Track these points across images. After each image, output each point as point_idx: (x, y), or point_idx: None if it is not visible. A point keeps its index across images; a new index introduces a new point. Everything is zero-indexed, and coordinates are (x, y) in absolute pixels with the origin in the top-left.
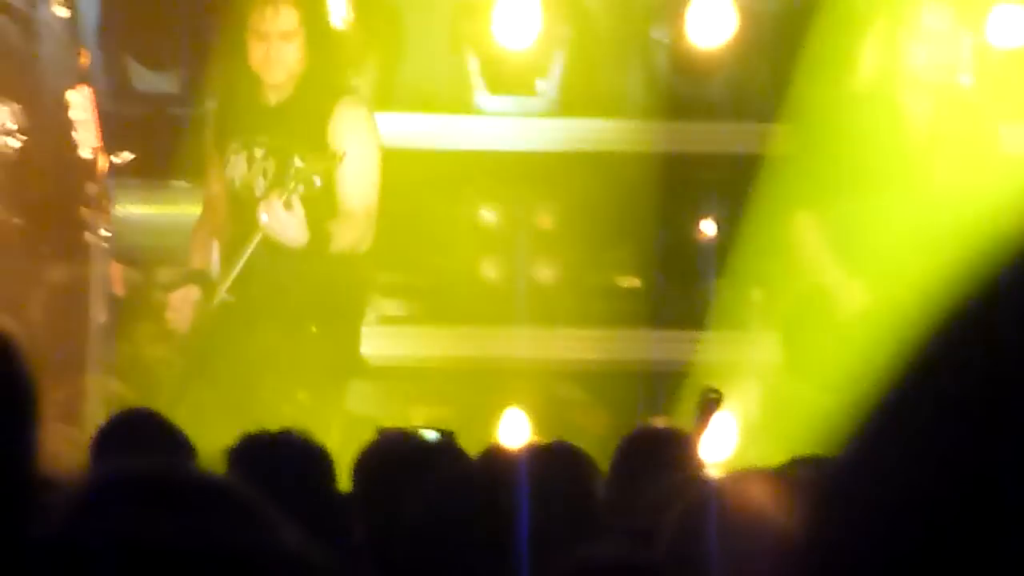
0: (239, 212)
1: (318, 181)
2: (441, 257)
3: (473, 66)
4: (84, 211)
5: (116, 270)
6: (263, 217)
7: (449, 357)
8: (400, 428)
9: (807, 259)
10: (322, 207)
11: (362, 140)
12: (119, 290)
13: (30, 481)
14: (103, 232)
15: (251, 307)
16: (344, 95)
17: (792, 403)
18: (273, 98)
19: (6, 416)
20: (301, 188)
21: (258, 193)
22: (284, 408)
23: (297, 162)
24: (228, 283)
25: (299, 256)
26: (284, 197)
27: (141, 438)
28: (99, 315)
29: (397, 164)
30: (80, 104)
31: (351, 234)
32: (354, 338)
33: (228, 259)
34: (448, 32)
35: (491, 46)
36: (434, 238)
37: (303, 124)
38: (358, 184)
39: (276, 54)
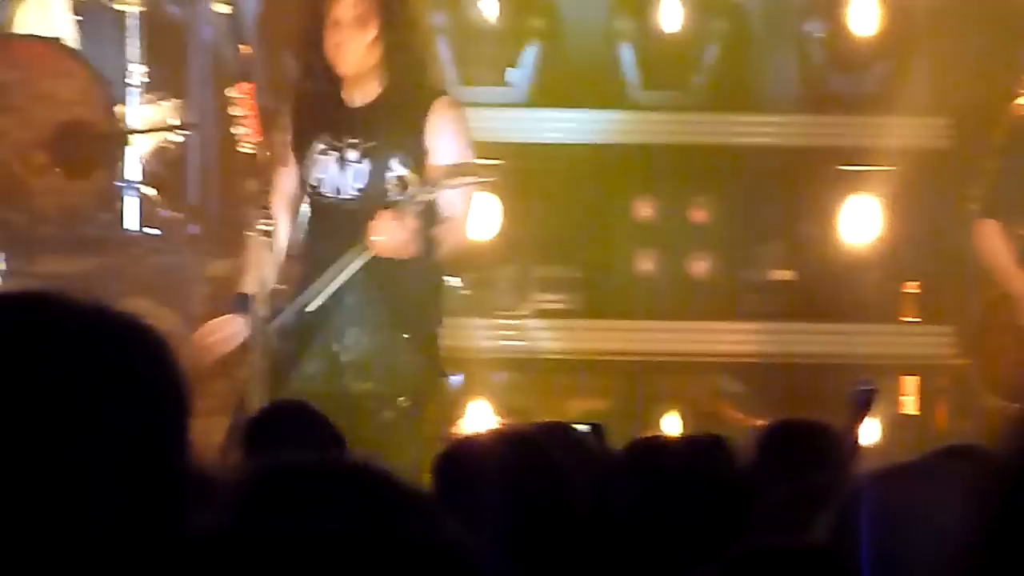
0: (324, 216)
1: (435, 195)
2: (596, 251)
3: (628, 60)
4: (245, 206)
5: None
6: (376, 233)
7: (604, 350)
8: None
9: (993, 267)
10: (427, 216)
11: (462, 143)
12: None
13: (185, 477)
14: (263, 227)
15: (342, 314)
16: (440, 94)
17: (967, 405)
18: (359, 96)
19: (159, 413)
20: (420, 204)
21: (347, 195)
22: (385, 414)
23: (411, 176)
24: (321, 297)
25: (397, 264)
26: (400, 212)
27: (292, 430)
28: (258, 309)
29: (552, 159)
30: (240, 100)
31: (453, 241)
32: (438, 341)
33: (314, 265)
34: (603, 26)
35: (646, 40)
36: (589, 232)
37: (399, 126)
38: (460, 190)
39: (349, 42)
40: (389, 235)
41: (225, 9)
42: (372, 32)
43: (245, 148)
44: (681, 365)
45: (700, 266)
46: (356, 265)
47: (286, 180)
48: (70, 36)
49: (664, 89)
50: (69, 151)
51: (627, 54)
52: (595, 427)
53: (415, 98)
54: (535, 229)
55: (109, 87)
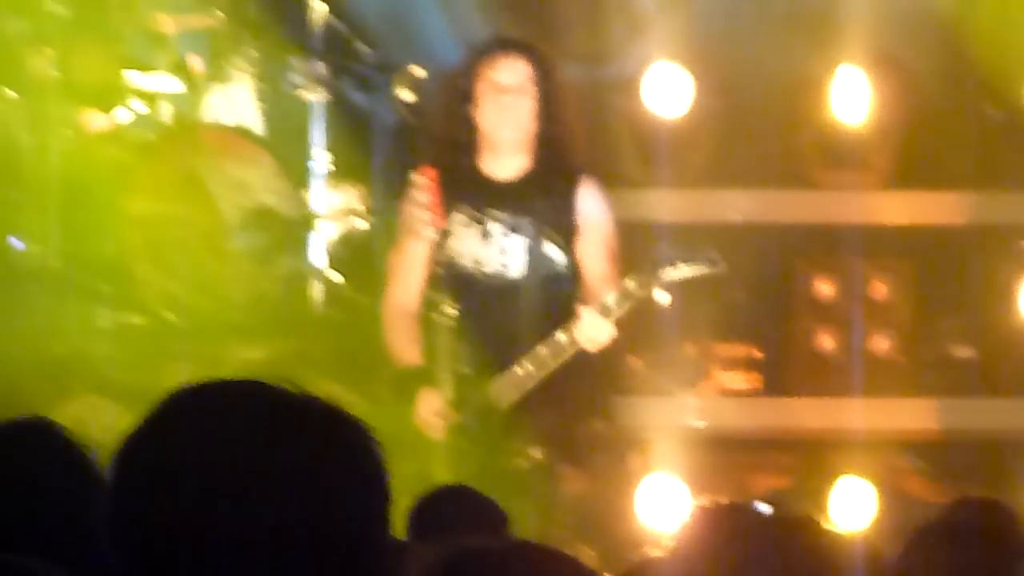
0: (463, 288)
1: (653, 293)
2: (778, 329)
3: (808, 141)
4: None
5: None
6: (586, 331)
7: (786, 428)
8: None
9: None
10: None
11: (610, 224)
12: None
13: (386, 558)
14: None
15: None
16: (585, 173)
17: None
18: (502, 169)
19: (364, 497)
20: (627, 304)
21: (491, 269)
22: (516, 462)
23: (628, 283)
24: (520, 388)
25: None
26: (605, 309)
27: (460, 511)
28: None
29: (733, 238)
30: (424, 185)
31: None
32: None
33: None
34: (784, 106)
35: (826, 122)
36: (771, 310)
37: (549, 203)
38: (606, 265)
39: (513, 109)
40: (599, 334)
41: (409, 97)
42: (532, 101)
43: (427, 233)
44: (863, 442)
45: (881, 343)
46: (564, 357)
47: (420, 254)
48: (256, 123)
49: (844, 168)
50: (256, 238)
51: (807, 134)
52: (775, 505)
53: (563, 175)
54: (716, 307)
55: (295, 173)
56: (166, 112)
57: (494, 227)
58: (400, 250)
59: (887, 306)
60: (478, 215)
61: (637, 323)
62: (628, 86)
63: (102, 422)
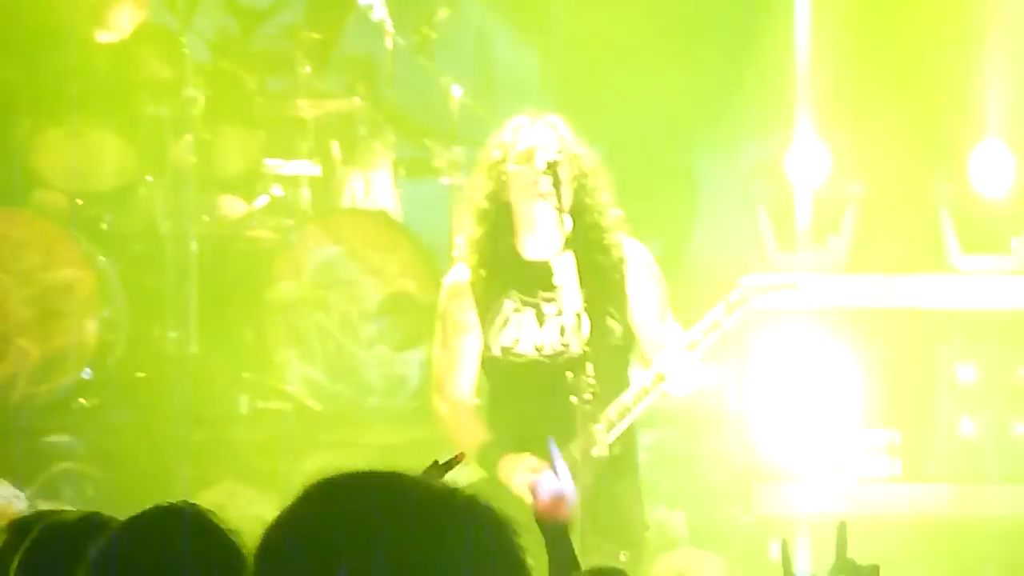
0: (516, 377)
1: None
2: (920, 414)
3: (947, 225)
4: (568, 376)
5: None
6: (674, 373)
7: (929, 515)
8: None
9: None
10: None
11: (657, 280)
12: (602, 452)
13: None
14: (586, 397)
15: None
16: (619, 228)
17: None
18: (539, 248)
19: None
20: (714, 334)
21: (551, 351)
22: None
23: (714, 312)
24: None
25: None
26: (692, 344)
27: None
28: (586, 476)
29: (875, 323)
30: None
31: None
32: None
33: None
34: (920, 190)
35: (965, 203)
36: (913, 396)
37: (595, 275)
38: (665, 325)
39: (543, 190)
40: (685, 373)
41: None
42: (565, 177)
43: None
44: (1007, 529)
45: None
46: (648, 399)
47: (472, 347)
48: (394, 208)
49: (983, 252)
50: (395, 323)
51: (946, 218)
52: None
53: (603, 245)
54: (855, 393)
55: (434, 258)
56: (305, 197)
57: (548, 308)
58: (448, 348)
59: None
60: (529, 299)
61: (777, 409)
62: (770, 167)
63: (242, 509)
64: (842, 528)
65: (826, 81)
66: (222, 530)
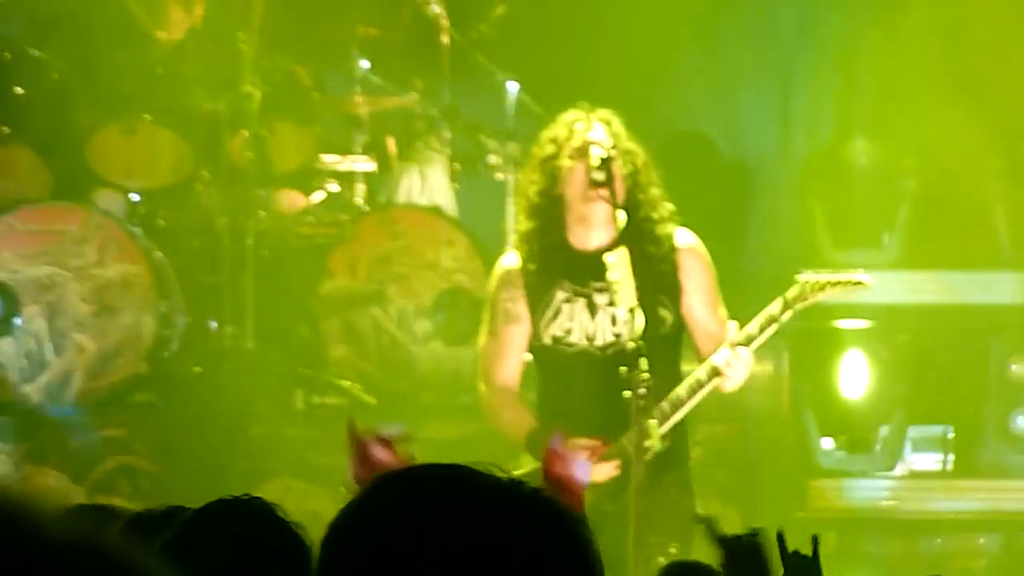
0: (567, 367)
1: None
2: (971, 410)
3: (999, 219)
4: (622, 370)
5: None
6: (731, 369)
7: (982, 511)
8: None
9: None
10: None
11: (709, 272)
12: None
13: None
14: (640, 391)
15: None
16: (672, 221)
17: None
18: (592, 239)
19: None
20: (771, 329)
21: (603, 342)
22: (657, 558)
23: (772, 308)
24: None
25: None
26: (748, 337)
27: None
28: (638, 472)
29: (929, 319)
30: (615, 265)
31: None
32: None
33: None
34: (974, 188)
35: (1017, 198)
36: (965, 391)
37: (647, 266)
38: (717, 317)
39: (598, 184)
40: (740, 367)
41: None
42: (617, 171)
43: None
44: None
45: None
46: (702, 394)
47: (520, 337)
48: (449, 204)
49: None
50: (450, 318)
51: (999, 213)
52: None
53: (655, 237)
54: (909, 389)
55: (489, 254)
56: (360, 193)
57: (600, 299)
58: (496, 336)
59: None
60: (581, 289)
61: (830, 405)
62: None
63: (298, 503)
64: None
65: (881, 76)
66: (286, 523)
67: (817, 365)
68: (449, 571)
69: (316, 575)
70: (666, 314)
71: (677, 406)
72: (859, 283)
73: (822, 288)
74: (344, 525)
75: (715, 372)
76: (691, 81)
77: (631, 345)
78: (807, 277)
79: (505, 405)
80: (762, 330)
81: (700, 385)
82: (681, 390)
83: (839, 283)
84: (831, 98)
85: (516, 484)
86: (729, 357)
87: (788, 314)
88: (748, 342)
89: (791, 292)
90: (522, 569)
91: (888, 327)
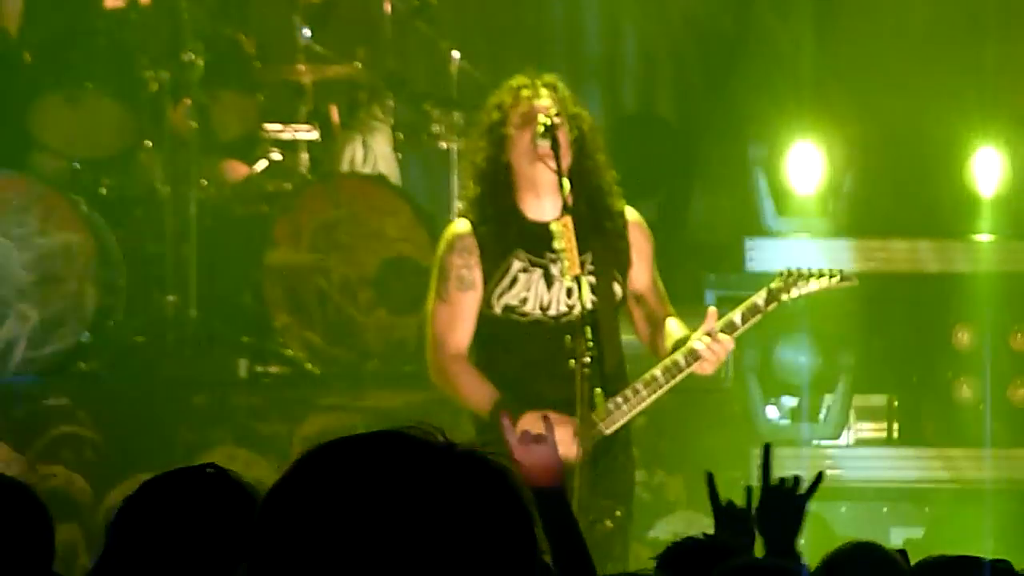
0: (519, 336)
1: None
2: (916, 378)
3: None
4: (567, 340)
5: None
6: (710, 355)
7: (924, 479)
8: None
9: None
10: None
11: (651, 245)
12: (600, 416)
13: None
14: (585, 360)
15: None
16: (618, 191)
17: None
18: (544, 211)
19: (509, 547)
20: (754, 319)
21: (556, 312)
22: (604, 521)
23: (756, 298)
24: (629, 416)
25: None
26: (730, 325)
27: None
28: (584, 441)
29: (872, 288)
30: (560, 234)
31: None
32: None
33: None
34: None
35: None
36: (909, 360)
37: (599, 238)
38: (656, 282)
39: (562, 145)
40: (720, 358)
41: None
42: (564, 139)
43: (565, 280)
44: (1001, 492)
45: (1020, 393)
46: (679, 378)
47: (473, 304)
48: (393, 173)
49: (982, 218)
50: (394, 287)
51: (943, 181)
52: (902, 552)
53: (605, 210)
54: (853, 358)
55: (433, 223)
56: (303, 162)
57: (556, 269)
58: (449, 302)
59: None
60: (537, 259)
61: (775, 374)
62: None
63: (241, 472)
64: (766, 451)
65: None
66: (242, 486)
67: (761, 333)
68: (384, 532)
69: (253, 542)
70: (618, 288)
71: (653, 387)
72: (845, 280)
73: (805, 280)
74: (279, 491)
75: (695, 357)
76: (636, 52)
77: (577, 314)
78: (792, 269)
79: (463, 372)
80: (745, 320)
81: (679, 369)
82: (657, 372)
83: (821, 275)
84: (775, 67)
85: (450, 445)
86: (711, 343)
87: (773, 306)
88: (731, 330)
89: (775, 283)
90: (459, 529)
91: (832, 295)
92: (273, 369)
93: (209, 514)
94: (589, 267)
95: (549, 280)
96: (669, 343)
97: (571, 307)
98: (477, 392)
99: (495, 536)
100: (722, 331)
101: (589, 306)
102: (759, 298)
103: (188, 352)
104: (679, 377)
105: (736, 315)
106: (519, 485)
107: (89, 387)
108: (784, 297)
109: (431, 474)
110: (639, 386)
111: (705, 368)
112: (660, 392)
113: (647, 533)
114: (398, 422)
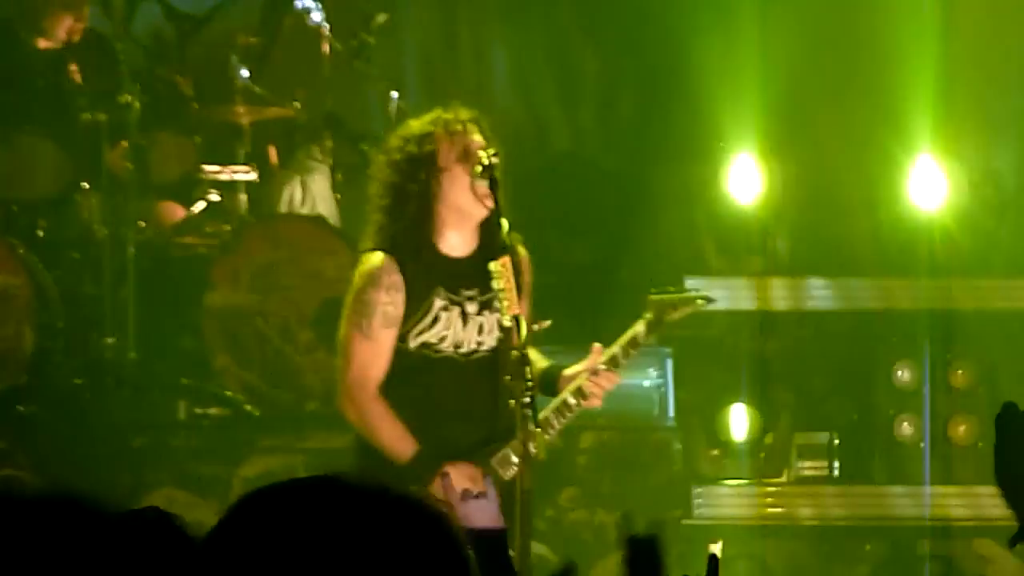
0: (444, 370)
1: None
2: (856, 415)
3: (885, 227)
4: (507, 380)
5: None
6: (595, 389)
7: (864, 516)
8: None
9: None
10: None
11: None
12: (540, 455)
13: None
14: (526, 400)
15: None
16: (515, 239)
17: None
18: (458, 247)
19: None
20: (634, 353)
21: (466, 350)
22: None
23: (637, 329)
24: (508, 469)
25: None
26: (613, 360)
27: None
28: (526, 482)
29: (813, 325)
30: (500, 273)
31: None
32: None
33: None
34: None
35: (903, 209)
36: (850, 398)
37: (513, 273)
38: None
39: (481, 186)
40: (606, 390)
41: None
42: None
43: (505, 321)
44: (944, 530)
45: (960, 430)
46: (571, 418)
47: (392, 341)
48: (332, 214)
49: (914, 256)
50: (334, 329)
51: (884, 219)
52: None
53: (502, 246)
54: (794, 396)
55: None
56: (242, 203)
57: (470, 307)
58: (372, 339)
59: (967, 392)
60: (455, 297)
61: (716, 412)
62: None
63: (182, 514)
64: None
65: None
66: (182, 531)
67: (701, 373)
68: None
69: None
70: (525, 323)
71: (547, 428)
72: (705, 299)
73: (674, 306)
74: (218, 538)
75: (581, 394)
76: (570, 92)
77: (515, 354)
78: (659, 294)
79: (384, 417)
80: (626, 354)
81: (569, 408)
82: (549, 413)
83: (685, 301)
84: (714, 107)
85: (384, 489)
86: (596, 380)
87: (652, 336)
88: (614, 365)
89: (650, 312)
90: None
91: (772, 334)
92: (213, 411)
93: (150, 557)
94: (507, 304)
95: (465, 318)
96: (552, 374)
97: (479, 344)
98: (398, 441)
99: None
100: (606, 366)
101: (520, 344)
102: (639, 328)
103: (127, 394)
104: (571, 416)
105: (617, 349)
106: (454, 528)
107: (27, 430)
108: (659, 328)
109: (367, 519)
110: (535, 429)
111: (593, 403)
112: (554, 433)
113: (587, 575)
114: (339, 463)
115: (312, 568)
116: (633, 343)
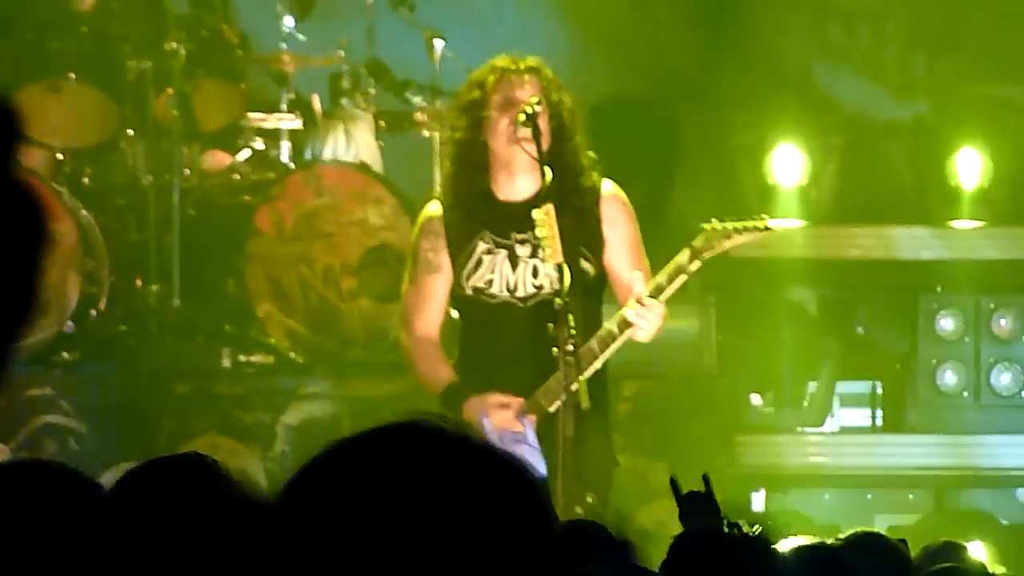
0: (489, 318)
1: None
2: (900, 365)
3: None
4: (549, 327)
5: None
6: (645, 321)
7: (909, 465)
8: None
9: None
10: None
11: (632, 226)
12: (583, 402)
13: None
14: (568, 348)
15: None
16: (602, 184)
17: None
18: (517, 190)
19: (523, 538)
20: (680, 279)
21: (524, 293)
22: (574, 507)
23: (680, 257)
24: (554, 395)
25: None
26: (658, 288)
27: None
28: (567, 429)
29: (857, 274)
30: (543, 221)
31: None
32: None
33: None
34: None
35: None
36: (894, 347)
37: (571, 218)
38: (640, 259)
39: (522, 130)
40: (655, 323)
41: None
42: (543, 120)
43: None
44: (987, 479)
45: (1004, 379)
46: (615, 346)
47: (441, 287)
48: (375, 161)
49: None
50: (377, 276)
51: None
52: (902, 541)
53: (579, 189)
54: (837, 345)
55: (415, 211)
56: (286, 151)
57: (521, 250)
58: (416, 285)
59: (1010, 342)
60: (502, 240)
61: (759, 360)
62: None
63: (224, 461)
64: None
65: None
66: (225, 476)
67: (745, 320)
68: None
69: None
70: (588, 267)
71: (590, 359)
72: (766, 228)
73: (728, 235)
74: (303, 484)
75: (626, 324)
76: (619, 37)
77: (558, 302)
78: (713, 224)
79: (422, 355)
80: (671, 280)
81: (612, 337)
82: (594, 343)
83: (745, 228)
84: (758, 53)
85: (466, 438)
86: (639, 308)
87: (696, 263)
88: (658, 293)
89: (698, 240)
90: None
91: (816, 282)
92: (256, 358)
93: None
94: (561, 251)
95: (514, 261)
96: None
97: (538, 288)
98: (432, 373)
99: (515, 530)
100: (650, 295)
101: (561, 291)
102: (683, 257)
103: (171, 341)
104: (615, 345)
105: (662, 277)
106: (535, 479)
107: (72, 377)
108: (707, 255)
109: (454, 469)
110: (579, 358)
111: (639, 335)
112: (599, 362)
113: (631, 522)
114: (381, 410)
115: (401, 518)
116: (678, 270)
